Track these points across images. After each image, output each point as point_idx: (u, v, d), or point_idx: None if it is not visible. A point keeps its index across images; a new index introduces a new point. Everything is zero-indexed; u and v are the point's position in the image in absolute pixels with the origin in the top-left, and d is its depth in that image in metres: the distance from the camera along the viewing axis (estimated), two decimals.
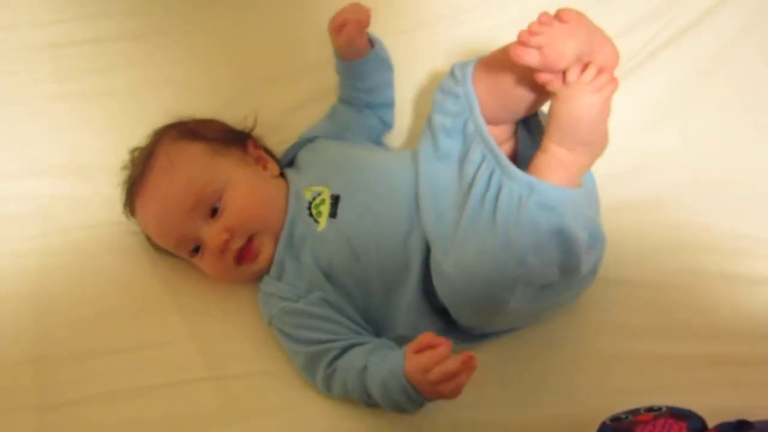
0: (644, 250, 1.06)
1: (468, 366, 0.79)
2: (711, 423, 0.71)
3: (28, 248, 1.09)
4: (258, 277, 1.00)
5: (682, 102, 1.18)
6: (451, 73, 0.92)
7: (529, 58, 0.80)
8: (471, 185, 0.86)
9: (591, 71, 0.81)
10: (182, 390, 0.94)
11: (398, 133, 1.16)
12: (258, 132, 1.09)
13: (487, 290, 0.84)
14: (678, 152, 1.16)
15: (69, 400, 0.93)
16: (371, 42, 1.05)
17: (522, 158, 0.95)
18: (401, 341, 0.87)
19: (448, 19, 1.19)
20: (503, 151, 0.87)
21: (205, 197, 0.96)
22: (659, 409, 0.74)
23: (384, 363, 0.84)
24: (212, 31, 1.19)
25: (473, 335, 0.95)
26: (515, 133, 0.96)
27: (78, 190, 1.13)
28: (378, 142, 1.13)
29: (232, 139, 1.04)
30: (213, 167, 0.99)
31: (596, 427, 0.76)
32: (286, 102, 1.17)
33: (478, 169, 0.86)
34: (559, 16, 0.81)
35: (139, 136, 1.05)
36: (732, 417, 0.70)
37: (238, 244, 0.97)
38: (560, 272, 0.84)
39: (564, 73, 0.81)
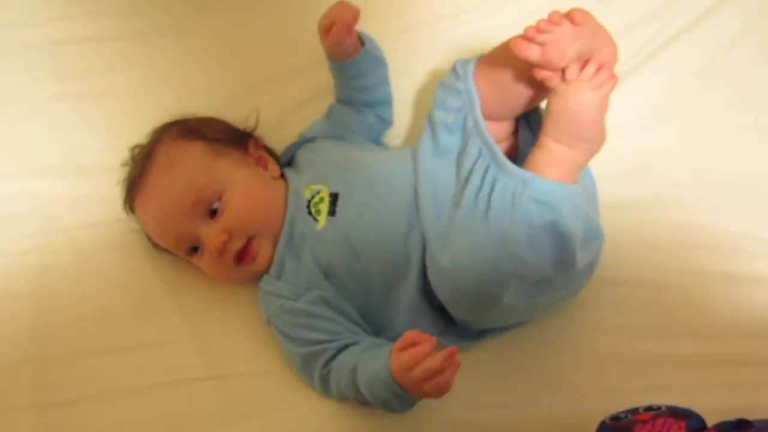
0: (644, 250, 1.06)
1: (451, 362, 0.78)
2: (710, 422, 0.71)
3: (27, 247, 1.09)
4: (258, 277, 1.00)
5: (682, 102, 1.18)
6: (453, 70, 0.92)
7: (531, 53, 0.80)
8: (467, 180, 0.86)
9: (590, 68, 0.81)
10: (182, 389, 0.94)
11: (398, 132, 1.16)
12: (258, 131, 1.09)
13: (482, 285, 0.84)
14: (678, 152, 1.16)
15: (68, 400, 0.93)
16: (362, 40, 1.05)
17: (523, 155, 0.95)
18: None
19: (448, 19, 1.19)
20: (503, 148, 0.87)
21: (205, 197, 0.96)
22: (658, 408, 0.74)
23: (372, 362, 0.84)
24: (212, 31, 1.19)
25: (472, 334, 0.95)
26: (516, 131, 0.96)
27: (78, 190, 1.13)
28: (377, 141, 1.13)
29: (233, 138, 1.04)
30: (213, 167, 0.98)
31: (595, 426, 0.76)
32: (286, 102, 1.17)
33: (474, 163, 0.86)
34: (570, 16, 0.81)
35: (138, 135, 1.05)
36: (731, 416, 0.70)
37: (237, 245, 0.97)
38: (554, 267, 0.84)
39: (563, 69, 0.81)
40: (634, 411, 0.75)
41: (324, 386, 0.90)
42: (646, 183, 1.14)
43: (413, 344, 0.81)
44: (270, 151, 1.08)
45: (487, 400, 0.91)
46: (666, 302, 1.01)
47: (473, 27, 1.18)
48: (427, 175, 0.92)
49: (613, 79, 0.81)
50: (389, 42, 1.10)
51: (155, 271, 1.06)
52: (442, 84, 0.93)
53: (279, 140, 1.11)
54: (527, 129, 0.95)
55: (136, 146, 1.05)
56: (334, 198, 0.96)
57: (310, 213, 0.97)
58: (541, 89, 0.86)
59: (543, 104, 0.90)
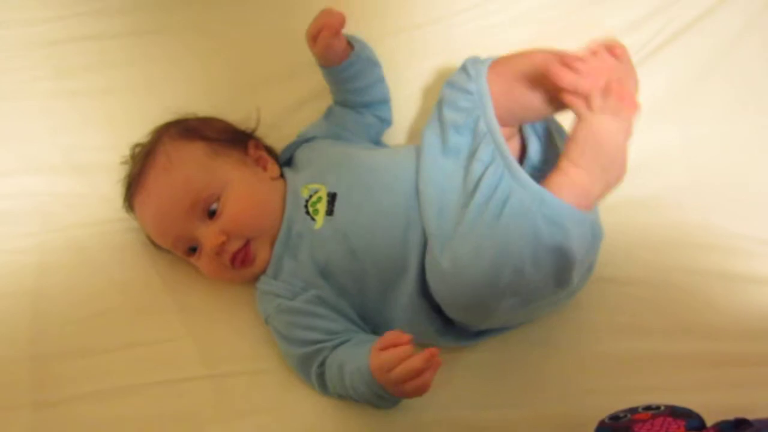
0: (642, 250, 1.06)
1: (432, 363, 0.79)
2: (709, 422, 0.71)
3: (26, 245, 1.09)
4: (255, 278, 1.00)
5: (681, 102, 1.18)
6: (464, 69, 0.92)
7: (567, 79, 0.81)
8: (477, 185, 0.86)
9: (615, 97, 0.81)
10: (180, 388, 0.94)
11: (398, 132, 1.16)
12: (258, 131, 1.09)
13: (479, 290, 0.83)
14: (676, 152, 1.15)
15: (66, 397, 0.93)
16: (351, 44, 1.04)
17: (527, 156, 0.95)
18: None
19: (448, 19, 1.19)
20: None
21: (203, 198, 0.96)
22: (658, 407, 0.74)
23: (355, 360, 0.85)
24: (212, 30, 1.18)
25: (471, 334, 0.95)
26: (519, 130, 0.96)
27: (77, 188, 1.13)
28: (377, 140, 1.12)
29: (232, 139, 1.04)
30: (212, 168, 0.98)
31: (594, 425, 0.76)
32: (285, 101, 1.17)
33: (485, 169, 0.86)
34: (613, 50, 0.82)
35: (138, 134, 1.05)
36: (730, 416, 0.70)
37: (234, 246, 0.96)
38: (551, 285, 0.85)
39: (588, 96, 0.82)
40: (634, 410, 0.75)
41: (321, 386, 0.91)
42: (644, 182, 1.13)
43: (393, 345, 0.81)
44: (270, 151, 1.08)
45: (487, 400, 0.91)
46: (665, 302, 1.01)
47: (473, 27, 1.18)
48: (433, 175, 0.92)
49: (636, 107, 0.82)
50: (389, 42, 1.10)
51: (154, 269, 1.06)
52: (451, 83, 0.93)
53: (279, 139, 1.11)
54: (532, 132, 0.96)
55: (136, 145, 1.05)
56: (332, 198, 0.96)
57: (308, 212, 0.97)
58: (554, 108, 0.87)
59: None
